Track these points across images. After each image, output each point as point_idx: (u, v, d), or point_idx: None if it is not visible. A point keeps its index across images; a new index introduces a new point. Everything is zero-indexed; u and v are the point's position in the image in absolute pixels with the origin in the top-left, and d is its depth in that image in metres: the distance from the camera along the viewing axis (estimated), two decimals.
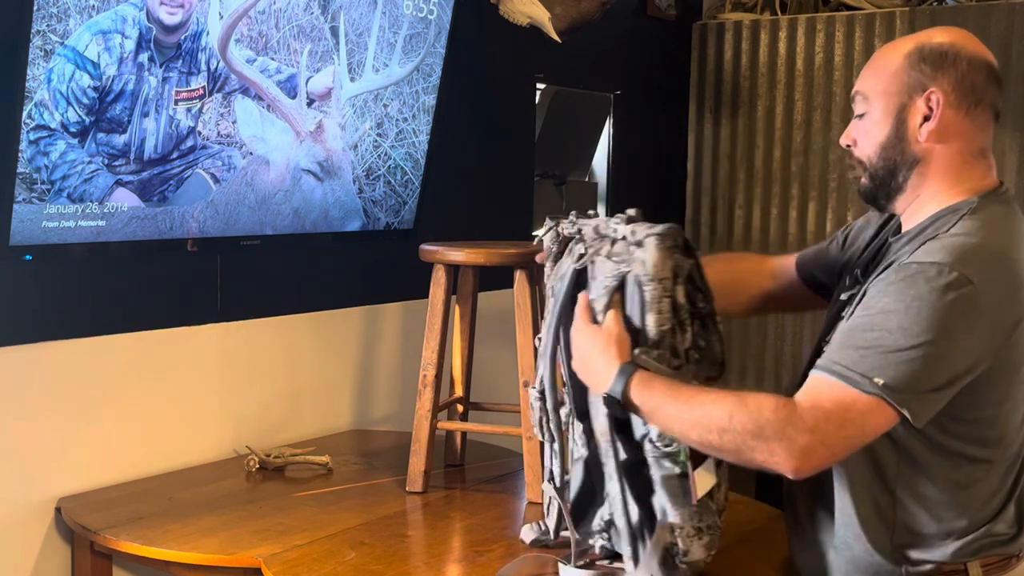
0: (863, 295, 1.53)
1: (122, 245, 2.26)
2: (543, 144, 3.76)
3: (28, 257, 2.10)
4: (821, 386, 1.46)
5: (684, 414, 1.49)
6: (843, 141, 1.67)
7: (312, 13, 2.47)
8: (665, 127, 4.45)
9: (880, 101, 1.59)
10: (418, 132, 2.85)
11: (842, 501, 1.58)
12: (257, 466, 2.47)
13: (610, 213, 4.08)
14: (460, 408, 2.51)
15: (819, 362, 1.49)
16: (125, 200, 2.23)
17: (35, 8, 1.95)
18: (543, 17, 3.11)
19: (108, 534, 2.05)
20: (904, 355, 1.41)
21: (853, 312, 1.52)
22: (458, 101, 3.08)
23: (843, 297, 1.70)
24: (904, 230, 1.65)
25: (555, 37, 3.16)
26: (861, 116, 1.63)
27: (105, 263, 2.35)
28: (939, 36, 1.59)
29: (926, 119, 1.56)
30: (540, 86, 3.71)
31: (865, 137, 1.62)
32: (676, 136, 4.51)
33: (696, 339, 1.67)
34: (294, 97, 2.49)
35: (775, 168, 4.33)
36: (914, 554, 1.55)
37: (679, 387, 1.53)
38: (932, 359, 1.41)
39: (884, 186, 1.61)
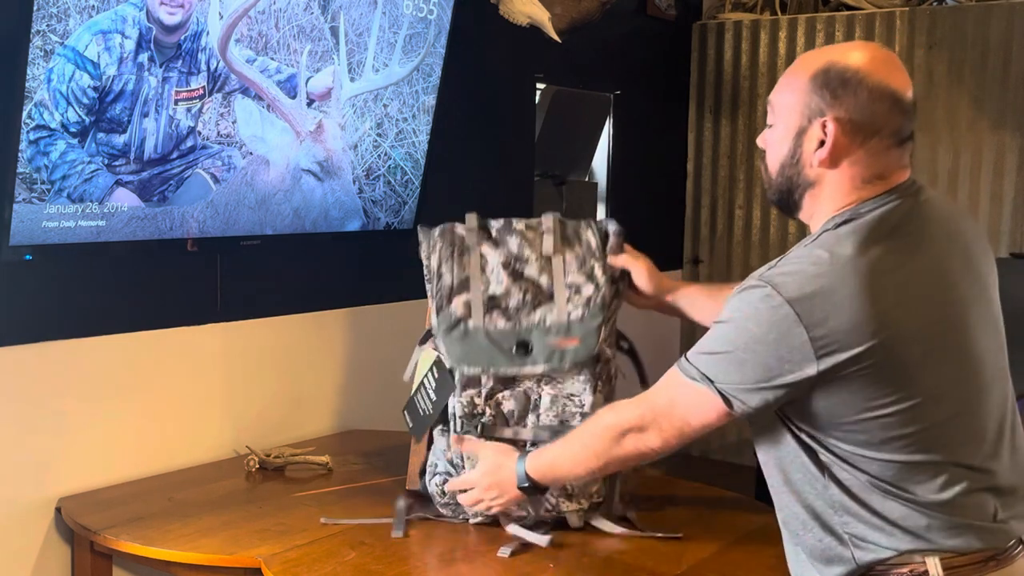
0: None
1: (122, 245, 2.26)
2: (543, 144, 3.76)
3: (28, 257, 2.10)
4: (667, 377, 1.58)
5: (568, 456, 1.72)
6: (759, 143, 1.68)
7: (312, 13, 2.47)
8: (665, 127, 4.45)
9: (783, 118, 1.59)
10: (418, 132, 2.85)
11: (784, 497, 1.58)
12: (257, 466, 2.47)
13: (610, 213, 4.09)
14: None
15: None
16: (125, 200, 2.23)
17: (35, 8, 1.95)
18: (543, 17, 3.11)
19: (108, 534, 2.05)
20: (721, 357, 1.50)
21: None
22: (458, 101, 3.08)
23: None
24: None
25: (555, 37, 3.16)
26: (770, 127, 1.63)
27: (105, 263, 2.35)
28: (851, 57, 1.55)
29: (821, 144, 1.54)
30: (540, 86, 3.71)
31: (770, 150, 1.63)
32: (676, 136, 4.51)
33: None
34: (294, 97, 2.49)
35: None
36: (864, 540, 1.53)
37: (560, 442, 1.76)
38: (745, 361, 1.47)
39: (784, 200, 1.63)
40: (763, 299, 1.44)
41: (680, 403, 1.55)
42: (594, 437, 1.67)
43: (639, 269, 2.05)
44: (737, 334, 1.47)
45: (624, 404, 1.65)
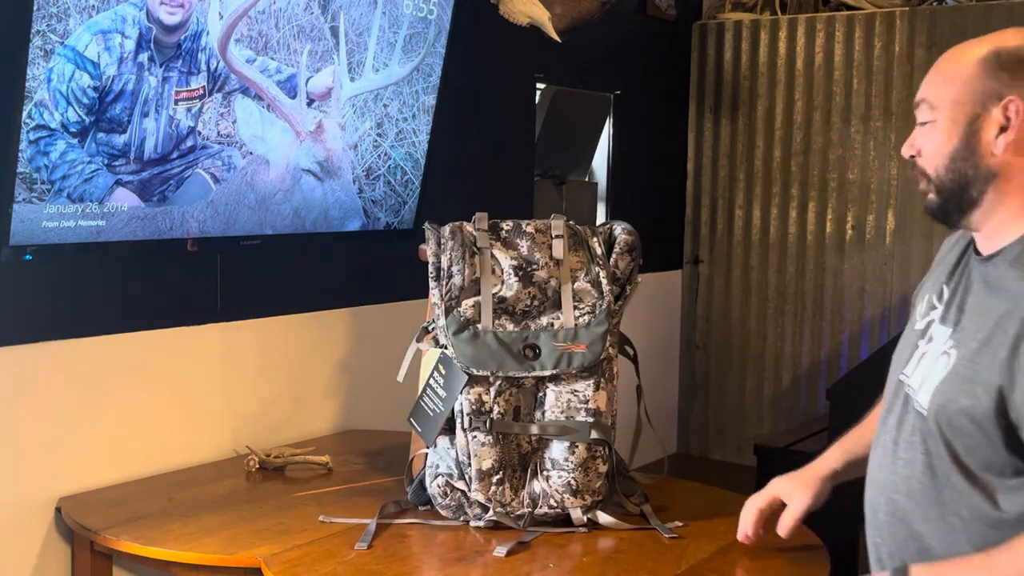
0: (1021, 363, 1.39)
1: (122, 245, 2.26)
2: (543, 144, 3.76)
3: (28, 257, 2.10)
4: None
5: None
6: (906, 151, 1.56)
7: (312, 13, 2.47)
8: (665, 127, 4.45)
9: (948, 110, 1.48)
10: (418, 132, 2.85)
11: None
12: (257, 466, 2.47)
13: (610, 213, 4.09)
14: None
15: None
16: (125, 200, 2.23)
17: (35, 8, 1.95)
18: (543, 17, 3.12)
19: (108, 534, 2.05)
20: None
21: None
22: (458, 101, 3.08)
23: (919, 326, 1.60)
24: (986, 251, 1.52)
25: (555, 37, 3.16)
26: (924, 124, 1.52)
27: (105, 263, 2.35)
28: (1014, 39, 1.47)
29: (1003, 130, 1.45)
30: (540, 86, 3.71)
31: (931, 146, 1.51)
32: (676, 136, 4.51)
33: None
34: (294, 97, 2.49)
35: (775, 168, 4.33)
36: None
37: (959, 569, 1.42)
38: None
39: (955, 200, 1.50)
40: None
41: None
42: None
43: (799, 502, 1.80)
44: None
45: None
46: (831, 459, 1.81)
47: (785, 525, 1.79)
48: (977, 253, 1.54)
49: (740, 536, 1.86)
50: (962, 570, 1.40)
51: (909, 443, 1.51)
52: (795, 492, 1.80)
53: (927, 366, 1.51)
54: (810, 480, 1.80)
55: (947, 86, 1.49)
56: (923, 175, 1.53)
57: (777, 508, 1.83)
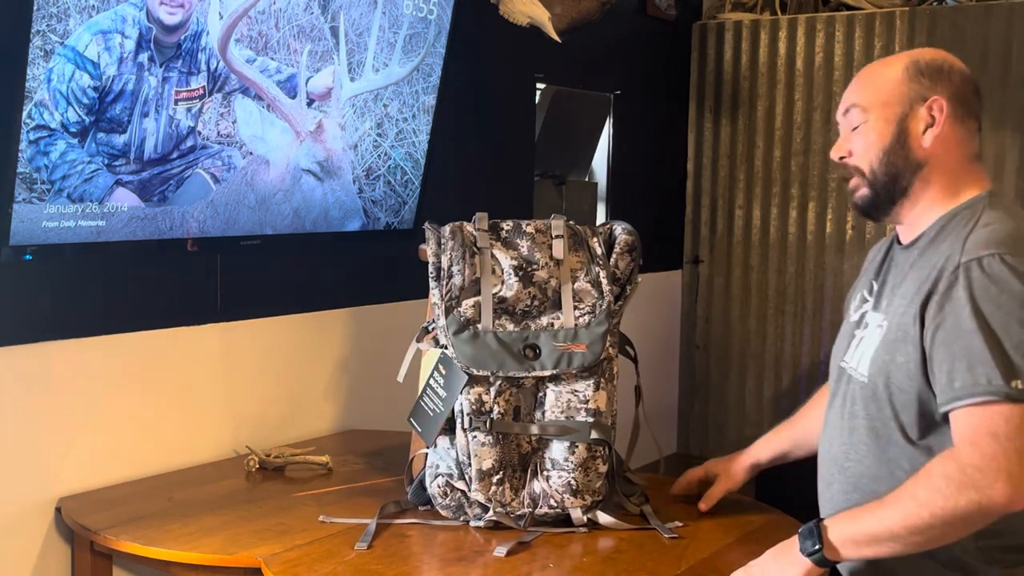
0: (929, 315, 1.53)
1: (122, 245, 2.26)
2: (543, 144, 3.76)
3: (28, 257, 2.10)
4: (970, 419, 1.46)
5: (887, 524, 1.51)
6: (835, 154, 1.74)
7: (312, 13, 2.47)
8: (665, 127, 4.45)
9: (880, 111, 1.66)
10: (418, 132, 2.85)
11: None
12: (257, 466, 2.47)
13: (610, 213, 4.09)
14: None
15: (949, 398, 1.49)
16: (125, 200, 2.23)
17: (35, 8, 1.95)
18: (543, 17, 3.12)
19: (108, 534, 2.05)
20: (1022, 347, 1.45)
21: (934, 338, 1.52)
22: (458, 101, 3.08)
23: (853, 319, 1.76)
24: (907, 239, 1.70)
25: (555, 37, 3.16)
26: (856, 128, 1.70)
27: (105, 263, 2.35)
28: (930, 53, 1.69)
29: (929, 126, 1.64)
30: (540, 86, 3.71)
31: (864, 144, 1.69)
32: (676, 136, 4.51)
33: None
34: (294, 97, 2.49)
35: (775, 168, 4.33)
36: (1004, 553, 1.56)
37: (859, 512, 1.56)
38: None
39: (887, 192, 1.68)
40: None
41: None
42: (929, 489, 1.47)
43: (720, 487, 2.13)
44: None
45: (959, 457, 1.47)
46: (760, 452, 2.14)
47: (704, 502, 2.13)
48: (900, 244, 1.72)
49: (673, 489, 2.21)
50: (861, 512, 1.55)
51: (852, 414, 1.68)
52: (720, 477, 2.14)
53: (864, 346, 1.68)
54: (736, 471, 2.13)
55: (876, 91, 1.68)
56: (856, 172, 1.71)
57: (710, 480, 2.16)
